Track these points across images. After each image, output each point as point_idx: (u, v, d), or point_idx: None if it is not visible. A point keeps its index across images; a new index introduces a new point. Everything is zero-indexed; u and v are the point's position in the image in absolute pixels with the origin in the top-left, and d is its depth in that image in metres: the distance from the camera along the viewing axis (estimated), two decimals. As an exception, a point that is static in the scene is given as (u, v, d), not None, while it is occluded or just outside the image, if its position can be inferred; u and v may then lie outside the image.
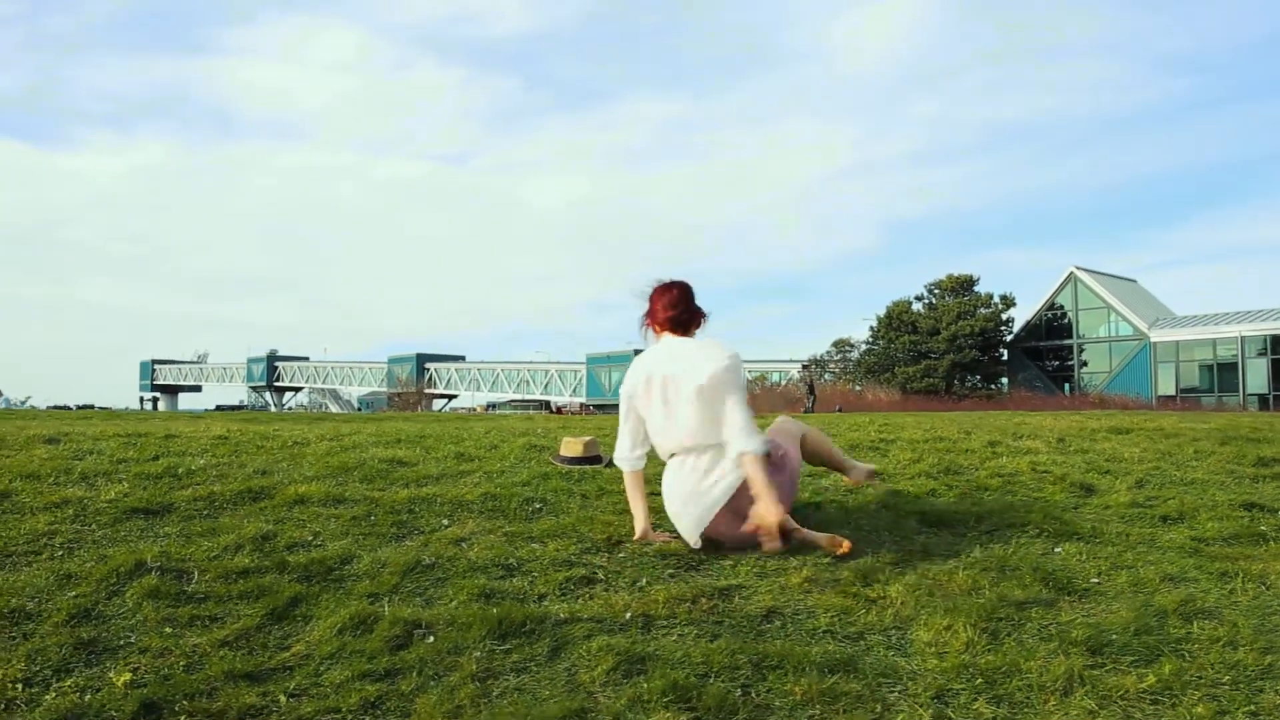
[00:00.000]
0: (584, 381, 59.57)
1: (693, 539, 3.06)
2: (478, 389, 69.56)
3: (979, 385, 40.27)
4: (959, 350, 39.11)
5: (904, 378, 39.12)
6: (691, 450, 3.11)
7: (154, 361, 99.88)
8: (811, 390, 27.32)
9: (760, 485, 2.94)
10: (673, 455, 3.18)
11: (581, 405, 61.12)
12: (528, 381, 65.27)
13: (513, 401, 70.70)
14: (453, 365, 70.96)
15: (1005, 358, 42.14)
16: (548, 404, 67.26)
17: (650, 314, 3.33)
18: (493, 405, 74.18)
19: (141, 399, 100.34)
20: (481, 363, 69.66)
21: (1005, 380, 41.67)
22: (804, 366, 37.72)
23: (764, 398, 42.07)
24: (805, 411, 26.69)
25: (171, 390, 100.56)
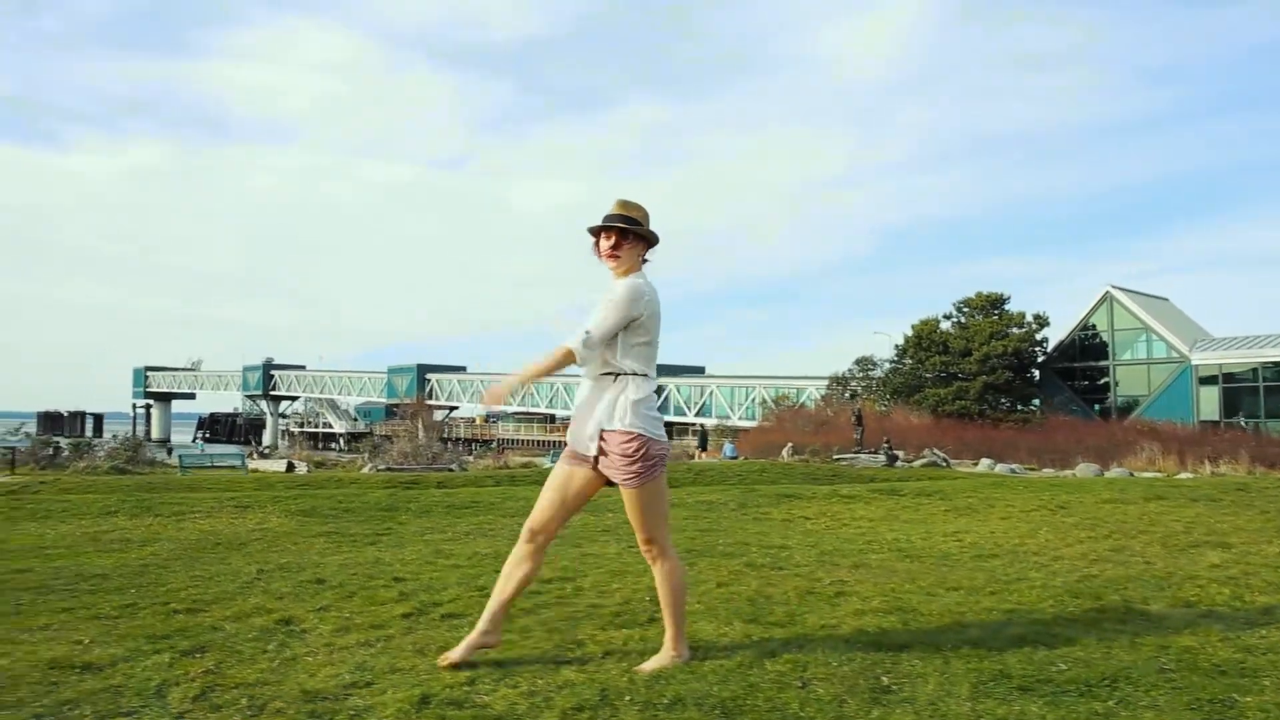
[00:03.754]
0: (591, 396, 57.53)
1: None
2: (480, 401, 67.53)
3: (1012, 407, 38.53)
4: (991, 371, 37.36)
5: (935, 399, 37.36)
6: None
7: (147, 369, 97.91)
8: (860, 421, 25.56)
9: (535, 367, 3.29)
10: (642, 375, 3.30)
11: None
12: (532, 394, 63.19)
13: (516, 414, 68.61)
14: (454, 376, 68.96)
15: (1038, 379, 40.44)
16: (552, 417, 65.17)
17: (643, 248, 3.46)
18: (493, 417, 72.07)
19: (134, 405, 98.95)
20: (484, 374, 67.66)
21: (1038, 402, 39.97)
22: (852, 395, 36.03)
23: (789, 420, 40.13)
24: (856, 444, 24.91)
25: (165, 398, 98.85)
